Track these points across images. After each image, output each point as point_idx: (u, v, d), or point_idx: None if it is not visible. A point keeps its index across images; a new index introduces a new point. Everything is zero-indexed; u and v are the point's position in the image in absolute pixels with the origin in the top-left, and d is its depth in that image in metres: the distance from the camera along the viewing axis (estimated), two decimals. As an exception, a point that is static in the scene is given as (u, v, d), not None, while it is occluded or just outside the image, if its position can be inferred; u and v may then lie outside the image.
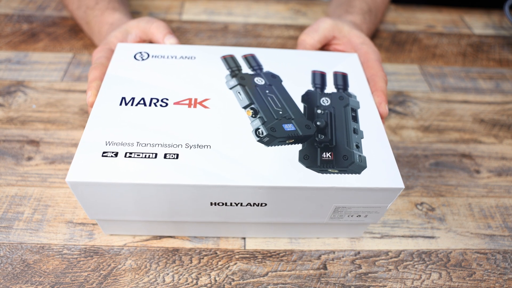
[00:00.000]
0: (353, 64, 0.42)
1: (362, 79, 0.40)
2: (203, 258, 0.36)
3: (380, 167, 0.32)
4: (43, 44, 0.60)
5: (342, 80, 0.39)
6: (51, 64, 0.56)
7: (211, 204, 0.31)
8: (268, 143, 0.32)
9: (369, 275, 0.36)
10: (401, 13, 0.75)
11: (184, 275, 0.35)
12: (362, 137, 0.34)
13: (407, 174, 0.45)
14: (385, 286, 0.35)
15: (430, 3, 0.77)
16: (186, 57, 0.41)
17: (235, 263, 0.36)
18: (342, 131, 0.34)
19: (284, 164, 0.31)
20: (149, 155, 0.30)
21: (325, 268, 0.36)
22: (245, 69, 0.39)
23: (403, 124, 0.52)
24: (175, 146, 0.31)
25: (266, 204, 0.31)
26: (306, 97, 0.37)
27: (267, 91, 0.37)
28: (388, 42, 0.67)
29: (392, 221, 0.41)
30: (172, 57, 0.40)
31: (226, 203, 0.31)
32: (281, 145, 0.32)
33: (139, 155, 0.30)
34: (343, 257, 0.37)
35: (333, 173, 0.31)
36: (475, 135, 0.51)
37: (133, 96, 0.35)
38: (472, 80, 0.61)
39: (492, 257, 0.38)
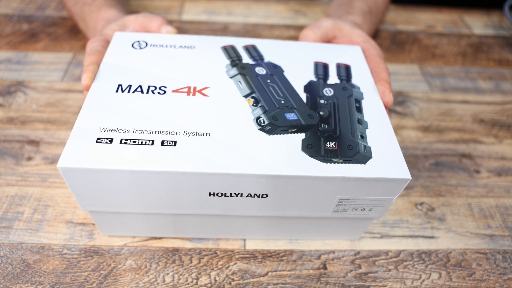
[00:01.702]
0: (356, 56, 0.41)
1: (366, 71, 0.40)
2: (203, 258, 0.36)
3: (386, 158, 0.31)
4: (43, 44, 0.60)
5: (345, 71, 0.39)
6: (51, 64, 0.56)
7: (210, 194, 0.30)
8: (269, 132, 0.31)
9: (369, 275, 0.36)
10: (401, 13, 0.75)
11: (184, 275, 0.35)
12: (367, 128, 0.33)
13: (407, 174, 0.45)
14: (385, 286, 0.36)
15: (430, 3, 0.77)
16: (185, 46, 0.40)
17: (235, 263, 0.36)
18: (346, 121, 0.33)
19: (286, 153, 0.30)
20: (145, 142, 0.29)
21: (325, 268, 0.36)
22: (246, 60, 0.39)
23: (403, 124, 0.52)
24: (172, 133, 0.30)
25: (267, 195, 0.31)
26: (308, 88, 0.36)
27: (268, 81, 0.36)
28: (388, 42, 0.67)
29: (392, 221, 0.41)
30: (171, 46, 0.40)
31: (225, 194, 0.30)
32: (283, 134, 0.31)
33: (135, 141, 0.29)
34: (343, 257, 0.37)
35: (338, 162, 0.30)
36: (475, 135, 0.51)
37: (130, 84, 0.35)
38: (472, 80, 0.61)
39: (492, 257, 0.38)
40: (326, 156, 0.30)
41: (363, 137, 0.32)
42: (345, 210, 0.33)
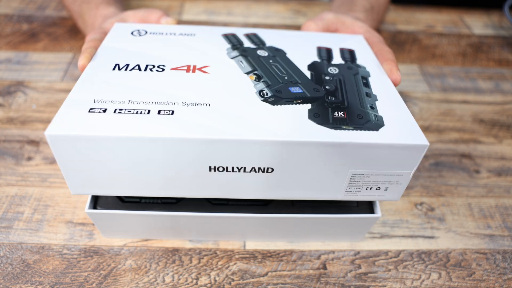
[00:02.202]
0: (359, 43, 0.41)
1: (370, 54, 0.38)
2: (203, 258, 0.36)
3: (400, 125, 0.28)
4: (43, 44, 0.60)
5: (349, 54, 0.38)
6: (51, 64, 0.56)
7: (211, 169, 0.28)
8: (273, 103, 0.30)
9: (369, 275, 0.36)
10: (401, 13, 0.75)
11: (184, 275, 0.35)
12: (376, 100, 0.31)
13: (407, 174, 0.45)
14: (385, 286, 0.36)
15: (430, 3, 0.77)
16: (185, 34, 0.39)
17: (235, 263, 0.36)
18: (353, 94, 0.32)
19: (292, 121, 0.28)
20: (141, 111, 0.27)
21: (324, 268, 0.37)
22: (248, 45, 0.38)
23: (402, 124, 0.52)
24: (170, 103, 0.28)
25: (272, 170, 0.28)
26: (312, 67, 0.35)
27: (270, 61, 0.35)
28: (388, 42, 0.67)
29: (391, 221, 0.41)
30: (171, 34, 0.39)
31: (227, 168, 0.28)
32: (288, 104, 0.30)
33: (130, 111, 0.27)
34: (342, 257, 0.37)
35: (348, 129, 0.28)
36: (474, 135, 0.51)
37: (128, 63, 0.33)
38: (472, 80, 0.61)
39: (491, 257, 0.38)
40: (335, 124, 0.28)
41: (373, 108, 0.30)
42: (358, 190, 0.30)
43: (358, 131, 0.27)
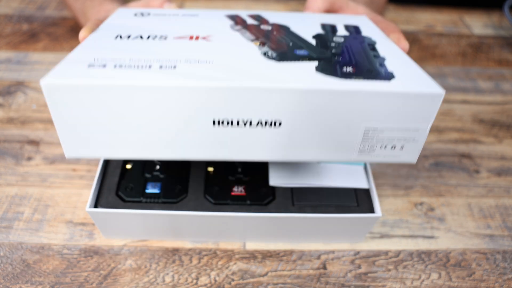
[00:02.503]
0: (364, 21, 0.40)
1: (375, 29, 0.38)
2: (203, 258, 0.36)
3: (412, 77, 0.28)
4: (43, 44, 0.60)
5: (354, 28, 0.37)
6: (51, 64, 0.56)
7: (214, 123, 0.27)
8: (279, 61, 0.29)
9: (369, 275, 0.36)
10: (401, 13, 0.75)
11: (184, 275, 0.35)
12: (385, 60, 0.30)
13: (407, 174, 0.45)
14: (385, 286, 0.36)
15: (430, 3, 0.77)
16: (188, 15, 0.39)
17: (235, 263, 0.36)
18: (361, 56, 0.31)
19: (299, 73, 0.27)
20: (142, 66, 0.27)
21: (324, 268, 0.37)
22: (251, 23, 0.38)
23: (402, 124, 0.52)
24: (172, 60, 0.28)
25: (280, 124, 0.27)
26: (317, 36, 0.34)
27: (275, 33, 0.35)
28: (387, 42, 0.67)
29: (391, 221, 0.41)
30: (174, 15, 0.39)
31: (232, 122, 0.27)
32: (294, 61, 0.29)
33: (130, 66, 0.27)
34: (342, 257, 0.37)
35: (358, 79, 0.27)
36: (474, 135, 0.51)
37: (130, 34, 0.33)
38: (472, 80, 0.61)
39: (491, 257, 0.38)
40: (345, 75, 0.27)
41: (382, 65, 0.29)
42: (372, 149, 0.29)
43: (369, 81, 0.27)
